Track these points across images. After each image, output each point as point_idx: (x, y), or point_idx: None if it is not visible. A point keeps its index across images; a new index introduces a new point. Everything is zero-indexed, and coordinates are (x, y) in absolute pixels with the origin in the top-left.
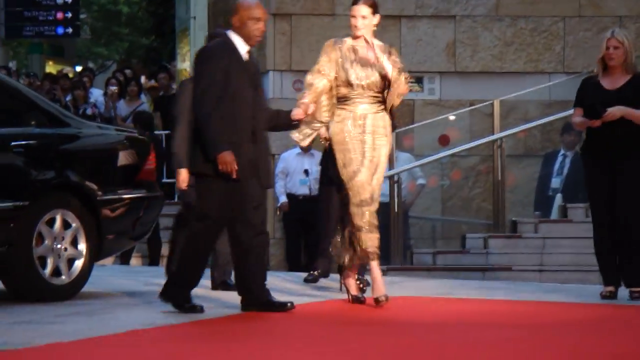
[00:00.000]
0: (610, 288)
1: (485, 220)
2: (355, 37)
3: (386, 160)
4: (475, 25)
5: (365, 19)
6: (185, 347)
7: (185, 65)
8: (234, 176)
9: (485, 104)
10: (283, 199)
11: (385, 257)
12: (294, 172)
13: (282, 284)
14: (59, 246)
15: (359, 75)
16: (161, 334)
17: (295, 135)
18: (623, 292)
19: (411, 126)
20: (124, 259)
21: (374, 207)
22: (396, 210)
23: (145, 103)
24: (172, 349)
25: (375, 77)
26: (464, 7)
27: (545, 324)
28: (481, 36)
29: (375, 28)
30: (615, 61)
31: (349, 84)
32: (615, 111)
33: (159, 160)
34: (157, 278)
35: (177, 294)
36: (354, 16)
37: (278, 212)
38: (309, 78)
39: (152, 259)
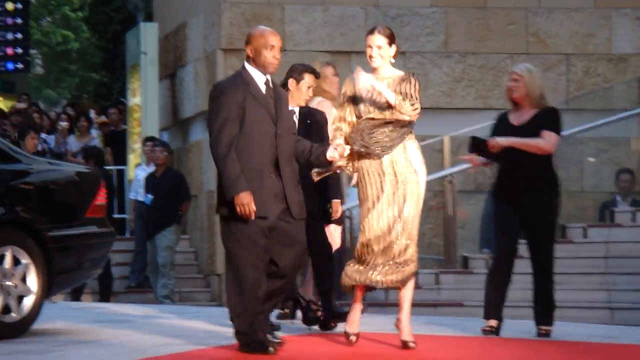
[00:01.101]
0: (493, 323)
1: (437, 256)
2: (373, 70)
3: (417, 195)
4: (425, 61)
5: (380, 49)
6: None
7: (136, 100)
8: (252, 217)
9: (435, 139)
10: None
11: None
12: None
13: None
14: (8, 283)
15: (367, 108)
16: None
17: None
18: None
19: None
20: (75, 296)
21: (383, 252)
22: (349, 246)
23: (96, 138)
24: None
25: (380, 107)
26: (414, 43)
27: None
28: (431, 72)
29: (393, 60)
30: (515, 94)
31: (359, 117)
32: (500, 141)
33: (110, 195)
34: (108, 314)
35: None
36: (369, 46)
37: None
38: (336, 122)
39: (102, 295)
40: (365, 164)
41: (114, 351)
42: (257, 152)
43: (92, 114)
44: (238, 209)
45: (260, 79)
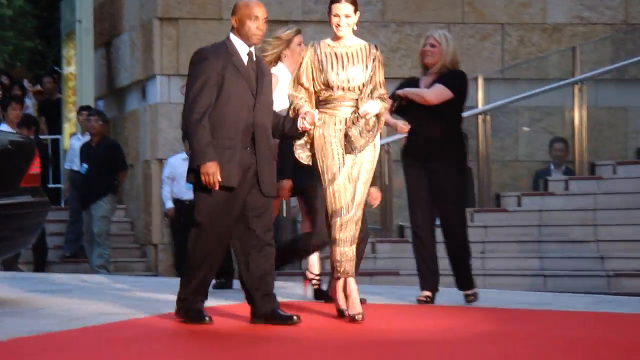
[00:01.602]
0: (427, 293)
1: (373, 225)
2: (336, 38)
3: (371, 166)
4: (362, 31)
5: (348, 17)
6: (80, 356)
7: (71, 69)
8: (216, 188)
9: None
10: (169, 204)
11: None
12: (180, 177)
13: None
14: None
15: (339, 77)
16: (49, 342)
17: (301, 155)
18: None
19: None
20: (9, 266)
21: (349, 218)
22: (285, 215)
23: (30, 107)
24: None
25: (357, 79)
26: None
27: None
28: (367, 42)
29: (355, 28)
30: (429, 59)
31: (329, 87)
32: (398, 92)
33: (44, 165)
34: (42, 284)
35: (185, 304)
36: (336, 15)
37: (165, 218)
38: (290, 91)
39: (37, 265)
40: (328, 132)
41: (49, 320)
42: (232, 122)
43: (26, 82)
44: (203, 178)
45: (243, 50)
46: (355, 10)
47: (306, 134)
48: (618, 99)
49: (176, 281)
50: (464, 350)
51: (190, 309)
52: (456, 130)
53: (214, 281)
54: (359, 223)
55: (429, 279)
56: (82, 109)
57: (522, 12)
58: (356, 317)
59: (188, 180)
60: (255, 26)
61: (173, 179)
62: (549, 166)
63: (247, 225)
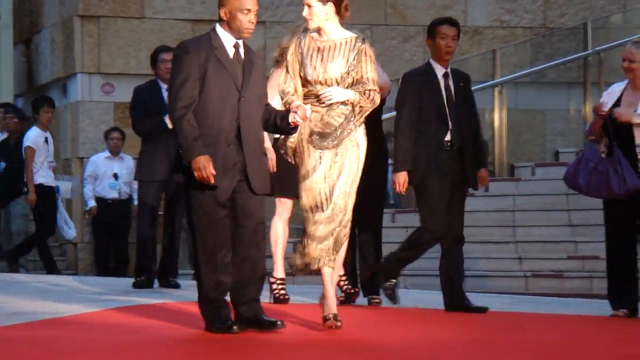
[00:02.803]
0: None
1: (298, 225)
2: (320, 31)
3: (355, 166)
4: (285, 31)
5: (311, 7)
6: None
7: None
8: (211, 182)
9: None
10: (92, 203)
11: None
12: (103, 175)
13: (92, 289)
14: None
15: (316, 70)
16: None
17: (288, 152)
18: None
19: None
20: None
21: (322, 219)
22: None
23: None
24: None
25: (334, 71)
26: (274, 12)
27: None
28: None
29: (339, 18)
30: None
31: (307, 81)
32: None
33: None
34: None
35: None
36: (303, 4)
37: (87, 216)
38: (282, 86)
39: None
40: (304, 130)
41: None
42: (214, 117)
43: None
44: (196, 174)
45: (229, 42)
46: (324, 1)
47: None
48: (537, 101)
49: (95, 279)
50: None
51: (214, 317)
52: (377, 131)
53: (134, 279)
54: (343, 226)
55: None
56: (0, 106)
57: (443, 15)
58: (327, 317)
59: (177, 180)
60: (248, 20)
61: (95, 178)
62: None
63: (237, 224)
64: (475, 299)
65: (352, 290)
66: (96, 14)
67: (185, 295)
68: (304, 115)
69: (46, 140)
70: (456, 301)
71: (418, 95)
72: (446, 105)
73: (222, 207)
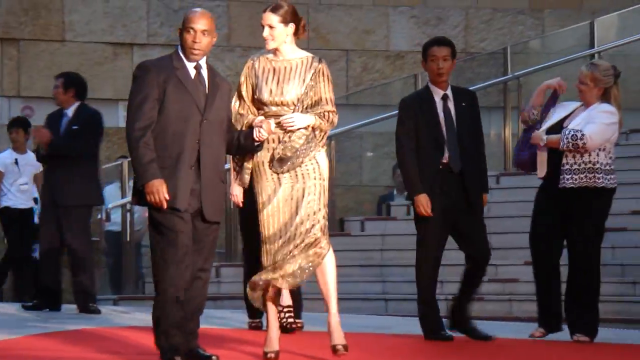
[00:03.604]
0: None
1: (218, 249)
2: (276, 52)
3: (319, 184)
4: (208, 54)
5: (273, 29)
6: None
7: None
8: (164, 207)
9: None
10: None
11: (116, 286)
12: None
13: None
14: None
15: (273, 92)
16: None
17: (245, 177)
18: None
19: None
20: None
21: (284, 242)
22: (128, 239)
23: None
24: None
25: (291, 93)
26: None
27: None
28: (214, 66)
29: (295, 38)
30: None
31: (262, 103)
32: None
33: None
34: None
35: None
36: (262, 26)
37: None
38: (236, 108)
39: None
40: (261, 153)
41: None
42: (174, 138)
43: None
44: (148, 198)
45: (190, 63)
46: (285, 22)
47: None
48: None
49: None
50: None
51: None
52: None
53: (29, 303)
54: (306, 247)
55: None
56: None
57: (366, 39)
58: (337, 349)
59: (133, 203)
60: (191, 39)
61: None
62: (392, 191)
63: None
64: (398, 323)
65: (296, 324)
66: (16, 37)
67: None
68: (269, 129)
69: (16, 162)
70: (461, 322)
71: (414, 121)
72: (444, 129)
73: (186, 234)
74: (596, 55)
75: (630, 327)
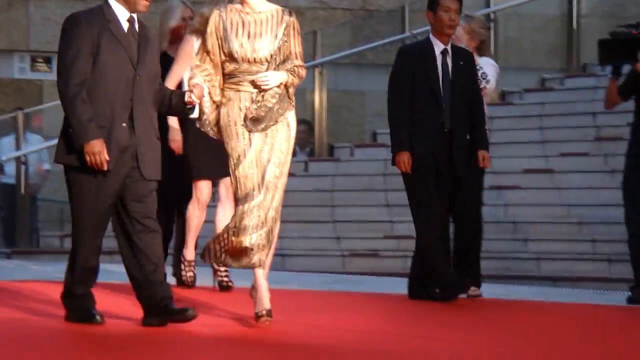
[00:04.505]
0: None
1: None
2: (243, 2)
3: (286, 146)
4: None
5: None
6: None
7: None
8: (105, 168)
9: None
10: None
11: (10, 240)
12: None
13: None
14: None
15: (244, 47)
16: None
17: (209, 130)
18: None
19: (40, 107)
20: None
21: (257, 203)
22: (22, 192)
23: None
24: None
25: (264, 49)
26: None
27: None
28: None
29: None
30: None
31: (233, 58)
32: None
33: None
34: None
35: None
36: None
37: None
38: (195, 61)
39: None
40: (233, 111)
41: None
42: (108, 96)
43: None
44: (88, 159)
45: (123, 15)
46: None
47: (211, 106)
48: (356, 83)
49: None
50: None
51: (76, 307)
52: None
53: None
54: (273, 209)
55: None
56: None
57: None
58: (261, 315)
59: (63, 161)
60: None
61: None
62: (295, 148)
63: (127, 211)
64: (295, 278)
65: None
66: None
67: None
68: (201, 94)
69: None
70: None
71: (412, 71)
72: (441, 84)
73: (110, 196)
74: (491, 14)
75: (520, 283)
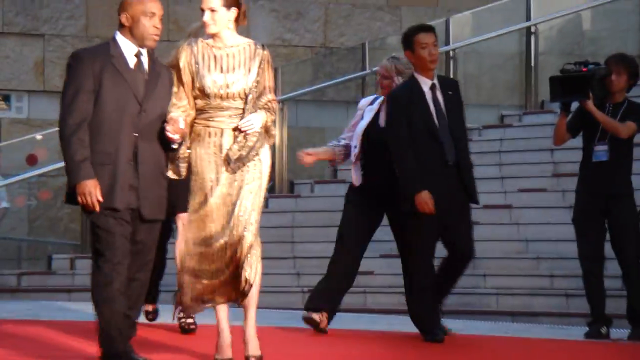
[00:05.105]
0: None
1: (73, 240)
2: (214, 37)
3: (257, 184)
4: (65, 44)
5: (214, 12)
6: None
7: None
8: (96, 209)
9: None
10: None
11: None
12: None
13: None
14: None
15: (217, 83)
16: None
17: (181, 167)
18: None
19: None
20: None
21: (221, 245)
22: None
23: None
24: None
25: (237, 85)
26: (53, 26)
27: None
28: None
29: (237, 24)
30: None
31: (205, 94)
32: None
33: None
34: None
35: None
36: (202, 9)
37: None
38: (173, 100)
39: None
40: (201, 148)
41: None
42: (112, 132)
43: None
44: (80, 199)
45: (130, 50)
46: (228, 5)
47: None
48: (317, 119)
49: None
50: None
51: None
52: None
53: None
54: (248, 247)
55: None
56: None
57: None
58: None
59: (67, 201)
60: (152, 24)
61: None
62: None
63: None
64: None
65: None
66: None
67: None
68: (177, 129)
69: None
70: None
71: (406, 112)
72: (436, 120)
73: (120, 224)
74: (451, 52)
75: (479, 318)
